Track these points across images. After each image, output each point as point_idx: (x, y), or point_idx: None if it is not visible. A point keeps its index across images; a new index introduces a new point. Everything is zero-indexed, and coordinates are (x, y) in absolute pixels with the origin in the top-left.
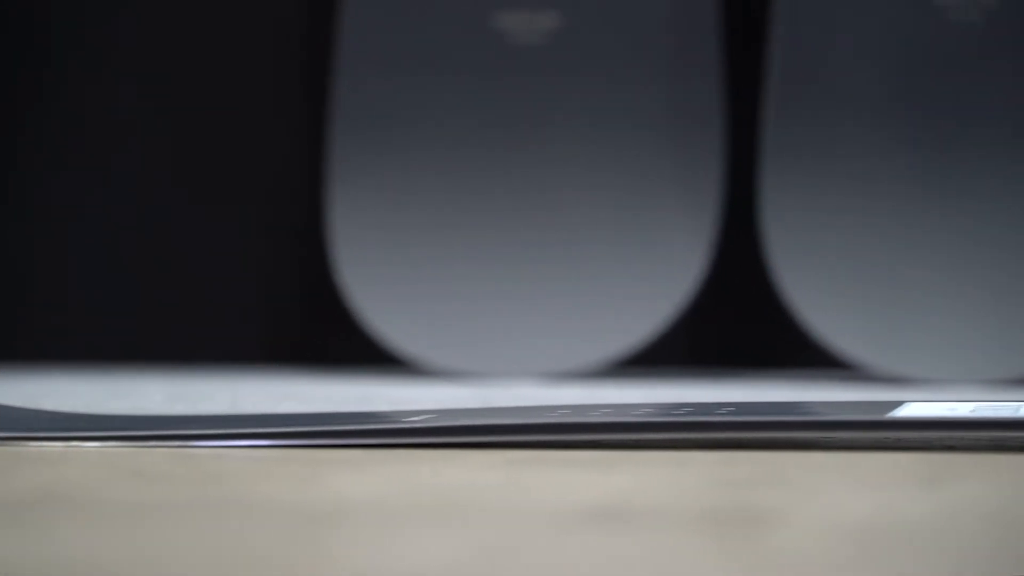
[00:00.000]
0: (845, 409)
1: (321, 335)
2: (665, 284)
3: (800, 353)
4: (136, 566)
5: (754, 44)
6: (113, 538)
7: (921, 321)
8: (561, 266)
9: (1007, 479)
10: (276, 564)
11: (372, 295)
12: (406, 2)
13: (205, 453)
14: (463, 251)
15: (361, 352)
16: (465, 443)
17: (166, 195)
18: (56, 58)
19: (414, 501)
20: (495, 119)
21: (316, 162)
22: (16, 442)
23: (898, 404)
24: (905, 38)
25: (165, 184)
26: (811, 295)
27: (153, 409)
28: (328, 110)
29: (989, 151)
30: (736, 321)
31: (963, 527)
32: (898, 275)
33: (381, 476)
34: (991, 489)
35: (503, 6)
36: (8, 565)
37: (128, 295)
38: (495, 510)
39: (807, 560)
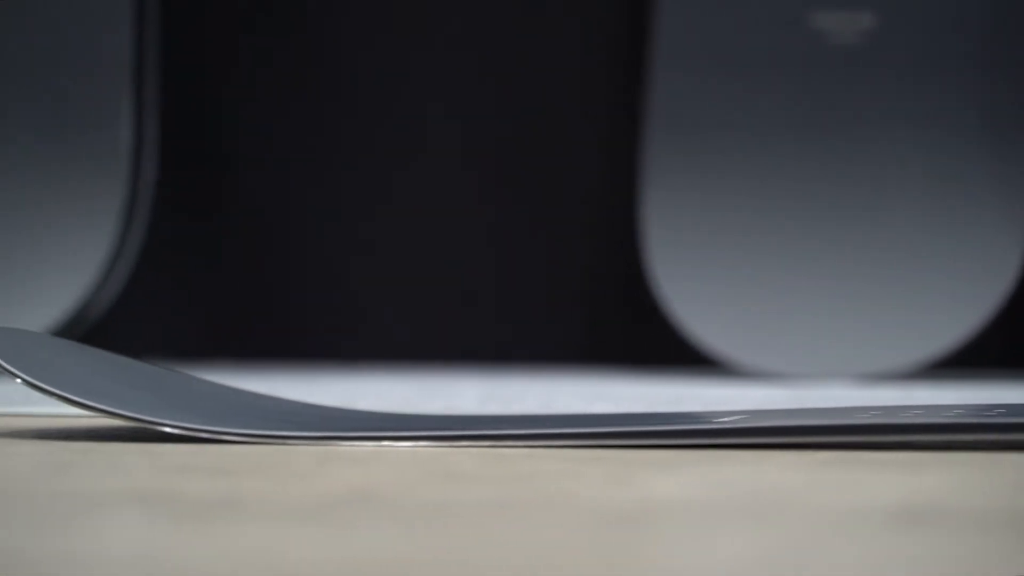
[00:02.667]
0: None
1: (634, 336)
2: (980, 286)
3: None
4: (445, 566)
5: None
6: (423, 538)
7: None
8: (875, 267)
9: None
10: (586, 564)
11: (685, 296)
12: (721, 1)
13: (517, 453)
14: (776, 252)
15: (674, 353)
16: (776, 444)
17: (482, 196)
18: (367, 59)
19: (724, 501)
20: (810, 119)
21: (630, 163)
22: (330, 441)
23: None
24: None
25: (481, 185)
26: None
27: (466, 409)
28: (642, 111)
29: None
30: None
31: None
32: None
33: (692, 476)
34: None
35: (820, 6)
36: (318, 564)
37: (443, 295)
38: (804, 510)
39: None
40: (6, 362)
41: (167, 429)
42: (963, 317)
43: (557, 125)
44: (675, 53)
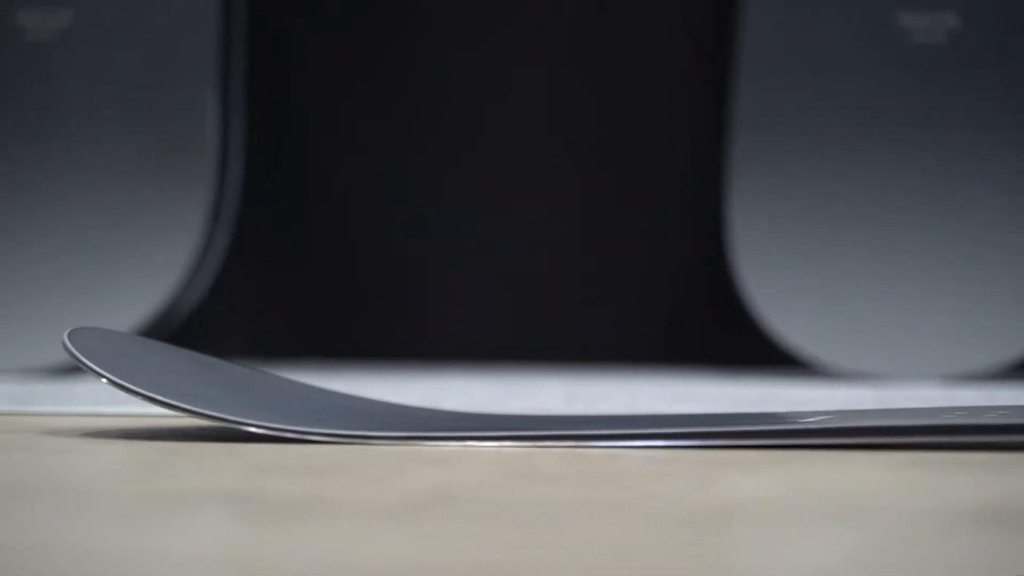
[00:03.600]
0: None
1: (719, 335)
2: None
3: None
4: (528, 567)
5: None
6: (506, 538)
7: None
8: (960, 268)
9: None
10: (668, 564)
11: (770, 296)
12: (806, 1)
13: (600, 454)
14: (861, 252)
15: (758, 353)
16: (860, 444)
17: (566, 197)
18: (460, 57)
19: (808, 502)
20: (896, 119)
21: (715, 163)
22: (414, 441)
23: None
24: None
25: (566, 185)
26: None
27: (550, 409)
28: (727, 110)
29: None
30: None
31: None
32: None
33: (776, 477)
34: None
35: (906, 6)
36: (401, 564)
37: (528, 295)
38: (888, 511)
39: None
40: (92, 362)
41: (252, 429)
42: None
43: (642, 125)
44: (761, 52)
